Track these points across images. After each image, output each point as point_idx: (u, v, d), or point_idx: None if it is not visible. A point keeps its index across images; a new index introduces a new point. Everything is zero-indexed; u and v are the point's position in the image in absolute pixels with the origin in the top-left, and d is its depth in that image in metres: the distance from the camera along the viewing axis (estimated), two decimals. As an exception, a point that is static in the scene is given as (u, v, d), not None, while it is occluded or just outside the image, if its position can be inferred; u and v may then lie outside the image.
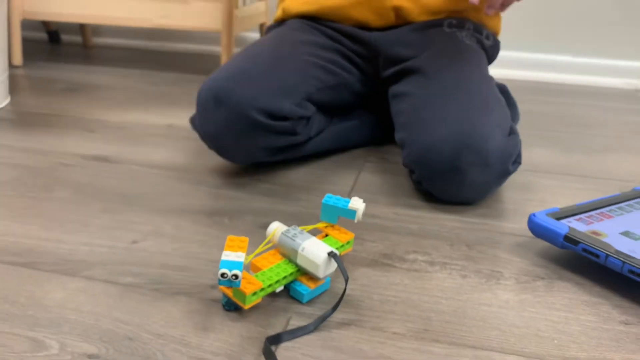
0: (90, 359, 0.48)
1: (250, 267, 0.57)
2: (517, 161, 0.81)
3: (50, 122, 1.09)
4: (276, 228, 0.59)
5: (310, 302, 0.57)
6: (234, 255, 0.51)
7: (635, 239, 0.65)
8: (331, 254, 0.55)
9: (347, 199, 0.63)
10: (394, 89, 0.91)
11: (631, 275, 0.59)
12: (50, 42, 1.83)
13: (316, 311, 0.56)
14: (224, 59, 1.42)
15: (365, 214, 0.77)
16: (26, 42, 1.57)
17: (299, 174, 0.89)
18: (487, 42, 0.99)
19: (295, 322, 0.54)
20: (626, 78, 1.58)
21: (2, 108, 1.15)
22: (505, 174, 0.78)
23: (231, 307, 0.55)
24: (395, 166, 0.94)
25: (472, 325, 0.55)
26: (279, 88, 0.81)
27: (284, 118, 0.82)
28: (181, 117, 1.15)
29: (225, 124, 0.79)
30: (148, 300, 0.57)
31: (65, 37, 1.86)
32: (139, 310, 0.55)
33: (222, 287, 0.53)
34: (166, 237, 0.69)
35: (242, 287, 0.52)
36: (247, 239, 0.54)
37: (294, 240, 0.57)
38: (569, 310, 0.58)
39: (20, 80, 1.39)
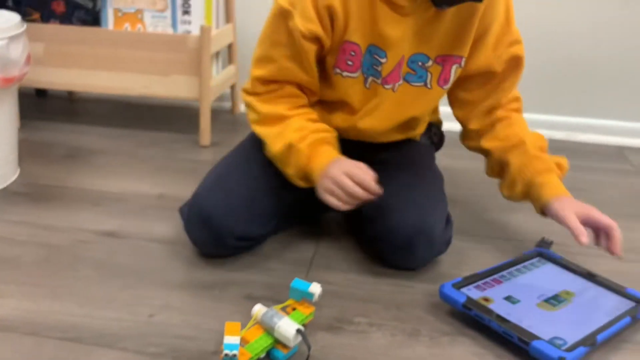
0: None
1: (242, 340, 0.81)
2: (449, 242, 1.09)
3: (58, 194, 1.29)
4: (258, 310, 0.83)
5: (284, 362, 0.82)
6: (232, 339, 0.75)
7: (514, 303, 0.91)
8: (298, 331, 0.79)
9: (309, 283, 0.88)
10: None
11: (505, 335, 0.85)
12: (37, 96, 2.01)
13: (288, 370, 0.80)
14: (202, 122, 1.63)
15: (324, 281, 1.00)
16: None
17: (268, 244, 1.12)
18: (435, 138, 1.28)
19: (274, 379, 0.78)
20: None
21: (14, 181, 1.35)
22: (442, 251, 1.08)
23: (229, 370, 0.79)
24: (348, 235, 1.18)
25: (396, 376, 0.80)
26: (252, 216, 1.03)
27: (253, 238, 1.07)
28: (168, 186, 1.37)
29: (206, 239, 1.03)
30: (169, 366, 0.80)
31: (51, 91, 2.05)
32: (164, 375, 0.79)
33: (223, 357, 0.77)
34: (175, 310, 0.92)
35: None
36: (239, 323, 0.78)
37: (271, 320, 0.81)
38: (463, 361, 0.84)
39: (21, 144, 1.57)
